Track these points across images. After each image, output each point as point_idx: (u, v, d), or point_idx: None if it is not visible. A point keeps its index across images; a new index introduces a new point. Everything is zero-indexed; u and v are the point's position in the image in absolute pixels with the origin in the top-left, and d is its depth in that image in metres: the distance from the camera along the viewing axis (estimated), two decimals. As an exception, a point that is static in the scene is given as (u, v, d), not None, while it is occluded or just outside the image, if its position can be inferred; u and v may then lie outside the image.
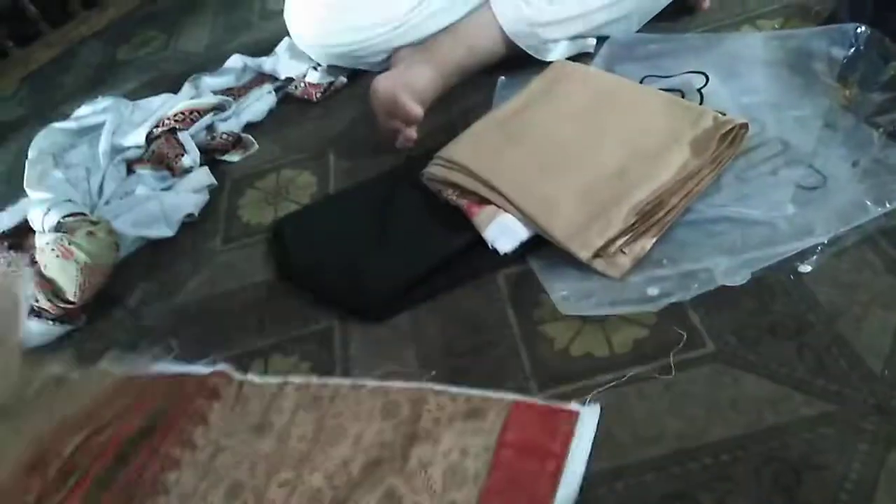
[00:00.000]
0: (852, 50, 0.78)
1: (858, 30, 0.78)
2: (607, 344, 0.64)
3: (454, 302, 0.73)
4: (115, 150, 1.06)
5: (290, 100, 1.14)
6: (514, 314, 0.69)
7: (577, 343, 0.65)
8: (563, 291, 0.68)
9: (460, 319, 0.71)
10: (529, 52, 0.95)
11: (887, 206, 0.64)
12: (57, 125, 1.11)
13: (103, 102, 1.15)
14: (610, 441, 0.57)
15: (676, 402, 0.58)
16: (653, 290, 0.65)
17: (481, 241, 0.74)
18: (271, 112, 1.12)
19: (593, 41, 0.97)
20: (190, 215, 0.95)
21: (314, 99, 1.10)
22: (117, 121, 1.09)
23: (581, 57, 0.97)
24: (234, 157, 1.05)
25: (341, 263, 0.78)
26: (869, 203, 0.65)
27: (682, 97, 0.81)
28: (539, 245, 0.72)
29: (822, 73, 0.79)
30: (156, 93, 1.17)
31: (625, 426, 0.57)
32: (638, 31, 0.96)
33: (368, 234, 0.81)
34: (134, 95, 1.20)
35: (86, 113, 1.14)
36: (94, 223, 0.86)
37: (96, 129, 1.10)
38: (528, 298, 0.70)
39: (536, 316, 0.68)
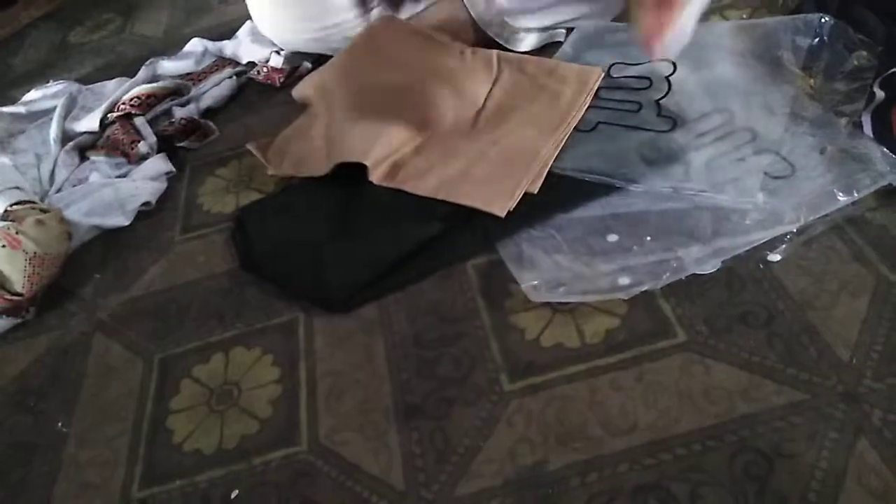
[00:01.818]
0: (816, 40, 0.79)
1: (823, 20, 0.79)
2: (578, 334, 0.63)
3: (423, 292, 0.71)
4: (67, 135, 1.02)
5: (252, 85, 1.10)
6: (484, 304, 0.68)
7: (548, 333, 0.64)
8: (533, 281, 0.67)
9: (429, 310, 0.69)
10: (499, 41, 0.94)
11: (855, 195, 0.65)
12: (4, 109, 1.06)
13: (54, 87, 1.10)
14: (582, 433, 0.56)
15: (649, 392, 0.57)
16: (624, 280, 0.65)
17: (450, 231, 0.72)
18: (233, 97, 1.09)
19: (563, 31, 0.96)
20: (147, 204, 0.91)
21: (277, 84, 1.06)
22: (69, 105, 1.04)
23: (550, 45, 0.96)
24: (193, 144, 1.01)
25: (306, 253, 0.76)
26: (837, 191, 0.65)
27: (650, 85, 0.81)
28: (510, 233, 0.71)
29: (788, 62, 0.79)
30: (110, 78, 1.13)
31: (598, 418, 0.57)
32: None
33: (334, 223, 0.78)
34: (87, 80, 1.15)
35: (35, 97, 1.09)
36: (43, 211, 0.82)
37: (46, 113, 1.05)
38: (499, 289, 0.69)
39: (507, 306, 0.67)
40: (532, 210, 0.72)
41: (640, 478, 0.52)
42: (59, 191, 0.95)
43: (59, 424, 0.69)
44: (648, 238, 0.67)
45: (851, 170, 0.66)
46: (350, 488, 0.57)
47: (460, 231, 0.74)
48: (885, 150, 0.66)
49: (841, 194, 0.65)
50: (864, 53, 0.75)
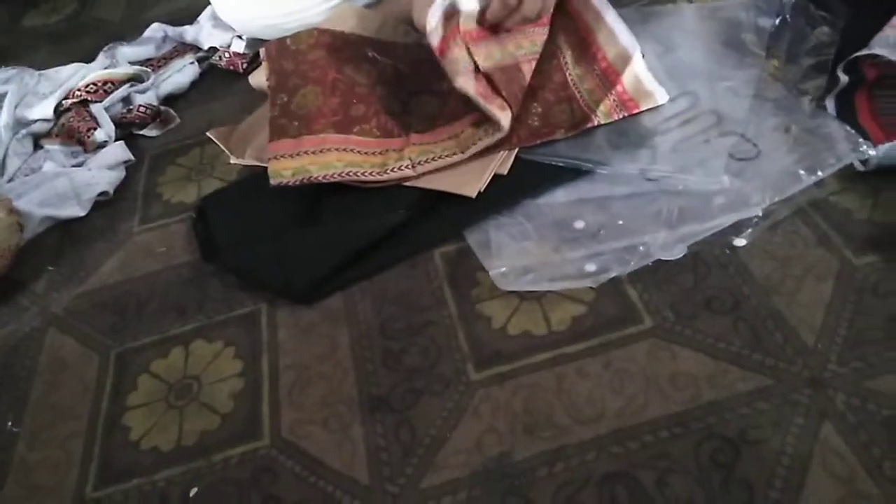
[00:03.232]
0: (779, 19, 0.78)
1: None
2: (545, 322, 0.62)
3: (389, 282, 0.69)
4: (20, 123, 0.98)
5: (214, 71, 1.07)
6: (451, 293, 0.67)
7: (515, 321, 0.63)
8: (501, 268, 0.66)
9: (395, 300, 0.68)
10: None
11: (819, 174, 0.65)
12: (-48, 96, 1.02)
13: (6, 72, 1.06)
14: (549, 422, 0.55)
15: (616, 379, 0.57)
16: (590, 266, 0.64)
17: (416, 219, 0.71)
18: (194, 84, 1.06)
19: None
20: (104, 193, 0.88)
21: (240, 70, 1.04)
22: (21, 92, 1.01)
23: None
24: (153, 132, 0.98)
25: (269, 243, 0.74)
26: (802, 172, 0.65)
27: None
28: (478, 220, 0.70)
29: (751, 44, 0.79)
30: (66, 64, 1.09)
31: (564, 406, 0.56)
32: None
33: (298, 212, 0.76)
34: (41, 66, 1.10)
35: (-15, 83, 1.04)
36: (-8, 202, 0.79)
37: (-3, 100, 1.01)
38: (466, 277, 0.68)
39: (474, 295, 0.66)
40: (500, 195, 0.71)
41: (607, 466, 0.52)
42: (10, 180, 0.91)
43: (9, 424, 0.66)
44: (615, 224, 0.66)
45: (815, 149, 0.66)
46: (313, 483, 0.56)
47: (427, 218, 0.72)
48: (848, 128, 0.66)
49: (805, 174, 0.65)
50: (826, 29, 0.75)
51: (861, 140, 0.65)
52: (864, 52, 0.68)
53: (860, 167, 0.65)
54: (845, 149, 0.65)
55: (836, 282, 0.59)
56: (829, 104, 0.70)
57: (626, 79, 0.75)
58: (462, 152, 0.73)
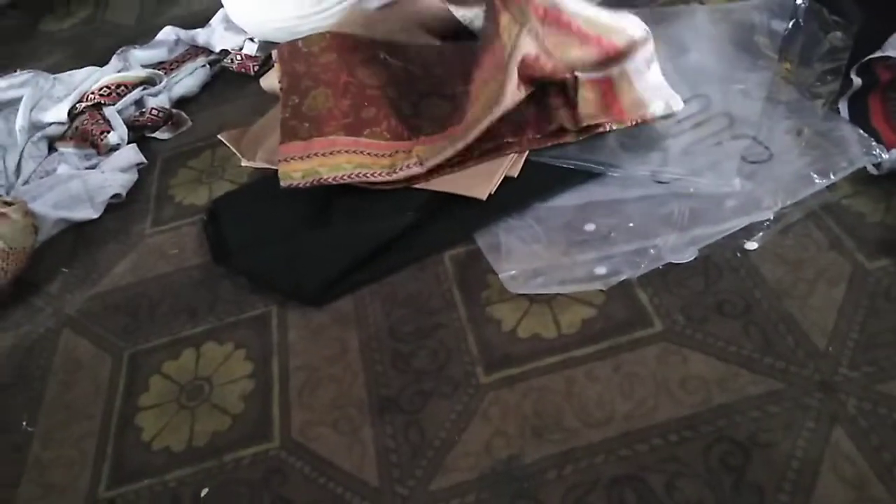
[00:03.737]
0: (792, 22, 0.78)
1: (797, 2, 0.78)
2: (555, 325, 0.62)
3: (399, 284, 0.70)
4: (35, 126, 0.99)
5: (226, 74, 1.08)
6: (461, 296, 0.67)
7: (525, 324, 0.63)
8: (511, 271, 0.66)
9: (405, 302, 0.68)
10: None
11: (832, 177, 0.64)
12: (-31, 100, 1.03)
13: (21, 76, 1.07)
14: (558, 425, 0.55)
15: (625, 382, 0.57)
16: (601, 269, 0.64)
17: (426, 221, 0.71)
18: (206, 87, 1.07)
19: None
20: (116, 196, 0.89)
21: (251, 73, 1.04)
22: (36, 95, 1.02)
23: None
24: (165, 135, 0.99)
25: (280, 246, 0.74)
26: (814, 175, 0.64)
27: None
28: (488, 223, 0.70)
29: (764, 46, 0.78)
30: (80, 67, 1.10)
31: (574, 409, 0.56)
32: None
33: (308, 215, 0.77)
34: (56, 69, 1.12)
35: (1, 87, 1.05)
36: (7, 204, 0.79)
37: (13, 104, 1.02)
38: (475, 279, 0.68)
39: (483, 297, 0.66)
40: (510, 198, 0.71)
41: (616, 469, 0.52)
42: (25, 183, 0.93)
43: (24, 424, 0.67)
44: (626, 227, 0.66)
45: (828, 153, 0.66)
46: (323, 485, 0.56)
47: (437, 221, 0.73)
48: (861, 132, 0.66)
49: (818, 177, 0.64)
50: (839, 34, 0.75)
51: (874, 143, 0.65)
52: (878, 54, 0.67)
53: (873, 171, 0.65)
54: (858, 152, 0.65)
55: (848, 285, 0.59)
56: (842, 107, 0.70)
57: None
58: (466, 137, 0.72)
